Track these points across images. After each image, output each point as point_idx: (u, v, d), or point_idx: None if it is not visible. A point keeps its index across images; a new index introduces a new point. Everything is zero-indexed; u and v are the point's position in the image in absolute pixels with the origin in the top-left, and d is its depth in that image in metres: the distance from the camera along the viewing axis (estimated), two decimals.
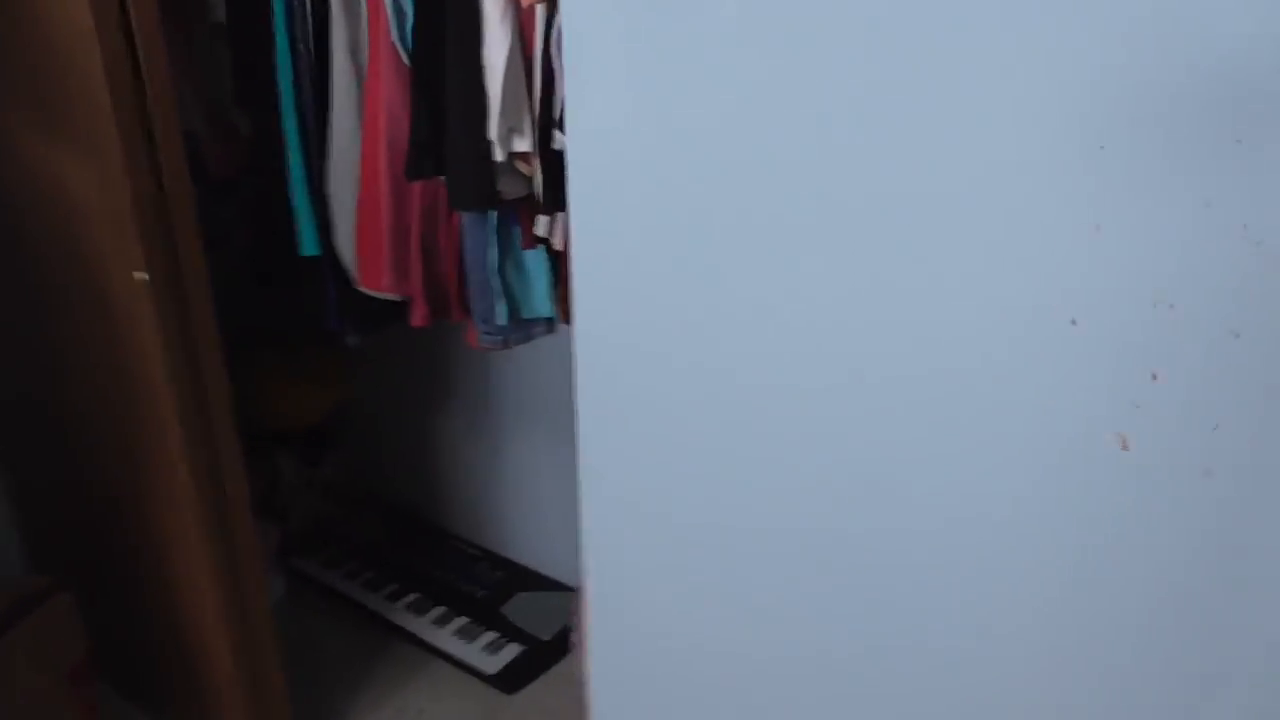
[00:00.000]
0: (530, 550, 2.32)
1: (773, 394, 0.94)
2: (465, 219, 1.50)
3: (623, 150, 0.95)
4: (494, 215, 1.48)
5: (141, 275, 1.43)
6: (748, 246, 0.90)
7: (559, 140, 1.28)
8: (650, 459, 1.06)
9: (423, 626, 2.16)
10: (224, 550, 1.59)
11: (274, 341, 2.34)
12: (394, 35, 1.44)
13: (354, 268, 1.64)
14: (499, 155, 1.34)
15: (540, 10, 1.29)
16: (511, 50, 1.31)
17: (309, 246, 1.67)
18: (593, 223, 1.00)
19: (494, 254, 1.49)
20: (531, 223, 1.45)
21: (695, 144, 0.90)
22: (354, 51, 1.54)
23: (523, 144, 1.35)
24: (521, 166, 1.39)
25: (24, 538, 2.01)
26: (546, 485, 2.21)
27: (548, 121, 1.31)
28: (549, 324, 1.59)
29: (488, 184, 1.38)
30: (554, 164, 1.32)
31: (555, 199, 1.34)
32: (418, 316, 1.59)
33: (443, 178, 1.45)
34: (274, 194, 1.70)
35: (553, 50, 1.27)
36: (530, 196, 1.42)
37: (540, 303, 1.54)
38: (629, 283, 1.00)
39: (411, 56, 1.43)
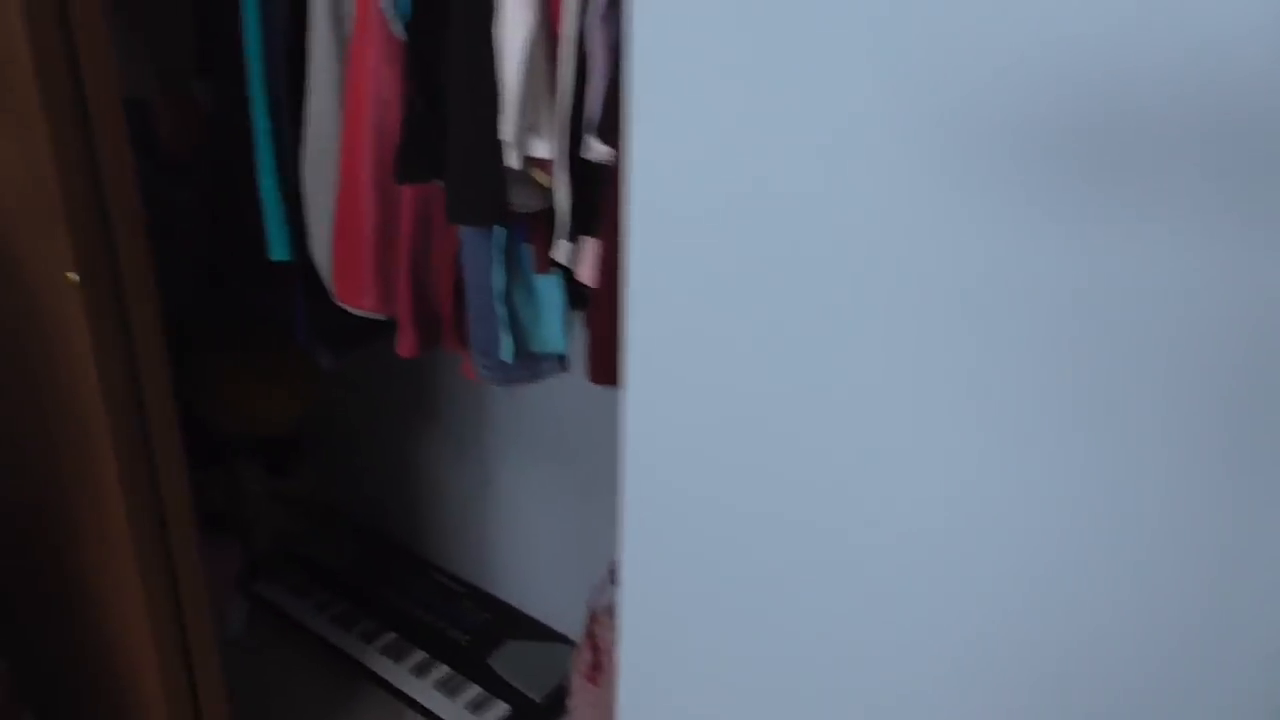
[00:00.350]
0: (520, 590, 2.07)
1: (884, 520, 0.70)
2: (466, 233, 1.22)
3: (713, 169, 0.70)
4: (502, 231, 1.20)
5: (73, 276, 1.21)
6: (881, 314, 0.67)
7: (594, 148, 1.01)
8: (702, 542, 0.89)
9: (399, 674, 1.91)
10: (162, 581, 1.40)
11: (240, 337, 2.09)
12: (384, 1, 1.16)
13: (330, 279, 1.37)
14: (513, 161, 1.07)
15: None
16: (534, 27, 1.03)
17: (278, 250, 1.40)
18: (662, 259, 0.76)
19: (499, 277, 1.22)
20: (545, 241, 1.17)
21: (823, 160, 0.65)
22: (337, 18, 1.26)
23: (542, 148, 1.07)
24: (539, 175, 1.12)
25: None
26: (542, 521, 1.95)
27: (578, 122, 1.03)
28: (561, 361, 1.32)
29: (497, 194, 1.11)
30: (584, 176, 1.05)
31: (585, 221, 1.07)
32: (406, 345, 1.32)
33: (440, 182, 1.17)
34: (238, 182, 1.43)
35: (591, 28, 0.99)
36: (546, 210, 1.15)
37: (552, 336, 1.27)
38: (705, 339, 0.78)
39: (406, 29, 1.16)
